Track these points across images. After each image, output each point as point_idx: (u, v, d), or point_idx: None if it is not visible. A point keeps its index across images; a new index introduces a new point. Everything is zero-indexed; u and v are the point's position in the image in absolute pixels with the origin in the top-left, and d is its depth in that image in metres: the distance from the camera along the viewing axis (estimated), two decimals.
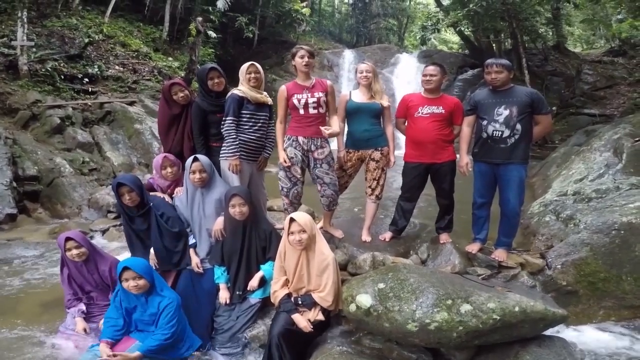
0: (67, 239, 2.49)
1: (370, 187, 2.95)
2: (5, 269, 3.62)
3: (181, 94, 2.90)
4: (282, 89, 2.78)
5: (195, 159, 2.61)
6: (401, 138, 3.04)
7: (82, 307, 2.55)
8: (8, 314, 2.84)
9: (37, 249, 3.99)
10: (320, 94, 2.72)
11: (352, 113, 2.86)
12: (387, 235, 3.04)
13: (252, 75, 2.77)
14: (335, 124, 2.78)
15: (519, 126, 2.60)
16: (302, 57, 2.70)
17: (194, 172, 2.60)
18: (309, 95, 2.70)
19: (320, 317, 2.27)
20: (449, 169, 2.83)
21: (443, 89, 2.95)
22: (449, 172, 2.83)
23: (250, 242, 2.53)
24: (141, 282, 2.18)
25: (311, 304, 2.28)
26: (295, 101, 2.71)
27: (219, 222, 2.59)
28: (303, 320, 2.22)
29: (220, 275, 2.54)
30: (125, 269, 2.17)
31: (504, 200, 2.71)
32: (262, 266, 2.52)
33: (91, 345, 2.30)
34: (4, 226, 4.64)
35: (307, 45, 2.86)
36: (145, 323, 2.26)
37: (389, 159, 2.89)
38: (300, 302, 2.29)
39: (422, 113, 2.80)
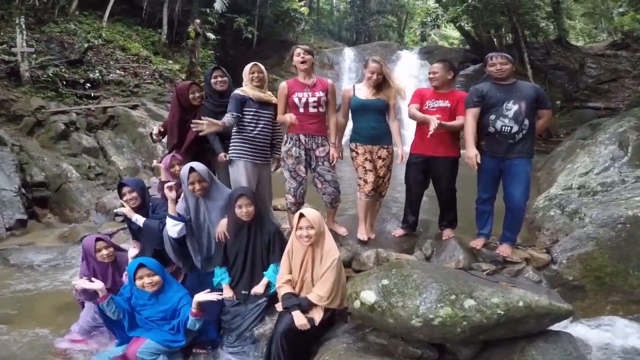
0: (98, 239, 2.63)
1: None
2: (18, 274, 3.67)
3: (198, 94, 3.04)
4: (283, 85, 2.80)
5: (192, 170, 2.51)
6: (407, 136, 3.04)
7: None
8: (23, 317, 2.89)
9: (48, 254, 4.03)
10: (321, 94, 2.75)
11: (357, 110, 2.84)
12: (399, 231, 3.07)
13: (255, 75, 2.80)
14: (333, 123, 2.82)
15: (526, 121, 2.58)
16: (298, 54, 2.74)
17: (192, 183, 2.52)
18: (310, 94, 2.72)
19: (320, 315, 2.25)
20: (449, 164, 2.83)
21: None
22: (448, 166, 2.83)
23: (255, 242, 2.56)
24: (155, 278, 2.28)
25: (307, 305, 2.25)
26: (295, 99, 2.72)
27: (222, 224, 2.61)
28: (302, 319, 2.22)
29: (220, 275, 2.56)
30: (141, 265, 2.27)
31: (509, 195, 2.68)
32: (265, 273, 2.53)
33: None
34: (15, 232, 4.70)
35: (307, 45, 2.89)
36: (153, 320, 2.32)
37: (400, 155, 2.87)
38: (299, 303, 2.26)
39: (429, 107, 2.82)
